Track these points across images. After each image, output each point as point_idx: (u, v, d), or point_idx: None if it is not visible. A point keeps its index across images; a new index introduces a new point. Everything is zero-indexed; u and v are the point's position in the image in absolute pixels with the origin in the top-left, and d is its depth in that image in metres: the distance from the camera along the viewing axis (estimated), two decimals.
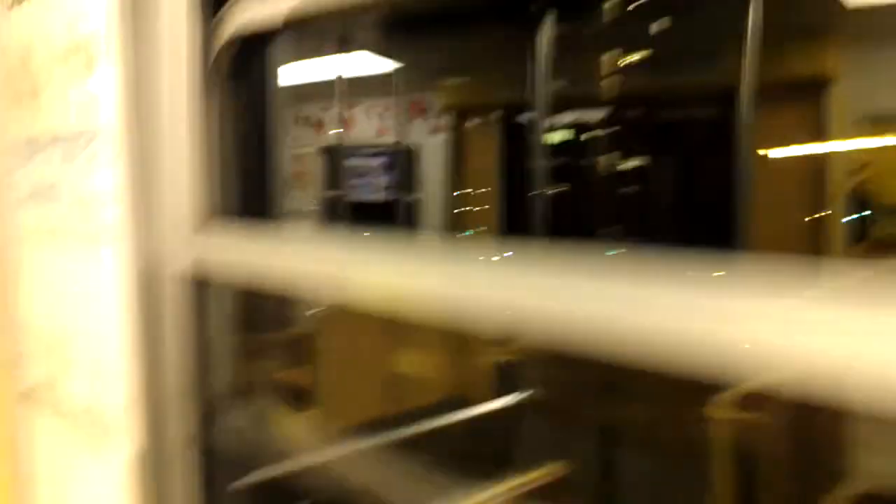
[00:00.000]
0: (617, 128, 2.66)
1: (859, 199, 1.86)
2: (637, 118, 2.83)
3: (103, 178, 0.84)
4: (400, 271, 0.55)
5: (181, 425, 0.82)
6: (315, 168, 4.72)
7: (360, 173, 4.43)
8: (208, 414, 0.83)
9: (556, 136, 2.92)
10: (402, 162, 4.27)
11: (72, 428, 0.98)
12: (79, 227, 0.89)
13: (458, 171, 3.55)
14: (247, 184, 0.85)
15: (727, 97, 2.01)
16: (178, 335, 0.80)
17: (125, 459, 0.86)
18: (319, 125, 4.71)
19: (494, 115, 3.13)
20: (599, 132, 2.64)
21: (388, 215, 4.26)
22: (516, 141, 3.00)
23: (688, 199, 2.90)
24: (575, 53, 2.48)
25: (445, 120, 3.37)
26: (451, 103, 3.37)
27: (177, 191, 0.79)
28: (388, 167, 4.30)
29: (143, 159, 0.81)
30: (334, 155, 4.37)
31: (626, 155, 2.63)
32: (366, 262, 0.59)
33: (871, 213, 1.82)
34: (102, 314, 0.86)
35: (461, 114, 3.34)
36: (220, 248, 0.76)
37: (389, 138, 4.28)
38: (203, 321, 0.81)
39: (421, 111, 4.14)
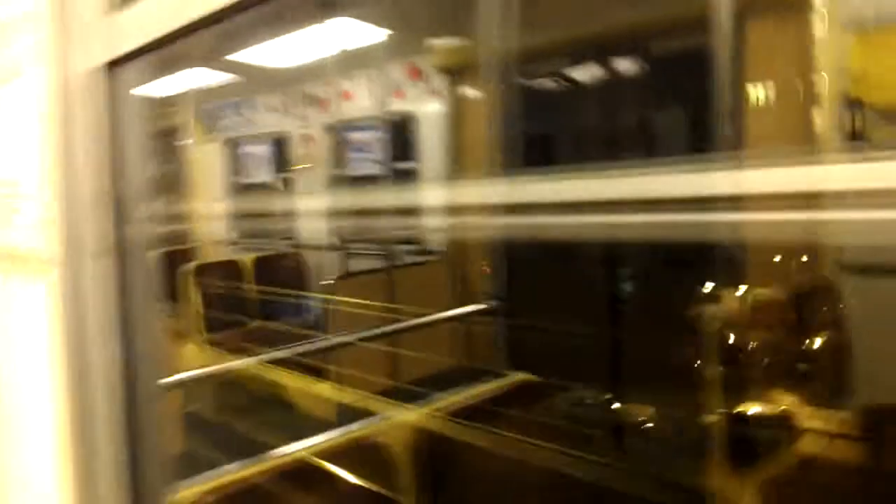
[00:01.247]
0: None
1: (852, 103, 1.81)
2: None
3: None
4: None
5: (97, 237, 0.81)
6: (322, 146, 4.76)
7: (360, 148, 4.45)
8: (122, 222, 0.81)
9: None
10: (401, 131, 4.28)
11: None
12: None
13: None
14: None
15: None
16: (92, 134, 0.80)
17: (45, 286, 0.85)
18: (324, 102, 4.75)
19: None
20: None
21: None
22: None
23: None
24: None
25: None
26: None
27: None
28: (386, 138, 4.32)
29: None
30: (336, 132, 4.40)
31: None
32: None
33: (864, 116, 1.76)
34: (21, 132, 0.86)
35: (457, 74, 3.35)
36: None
37: (390, 108, 4.29)
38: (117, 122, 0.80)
39: (418, 75, 4.14)
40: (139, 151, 0.83)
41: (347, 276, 3.62)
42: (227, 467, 1.40)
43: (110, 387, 0.83)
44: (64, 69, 0.80)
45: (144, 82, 0.82)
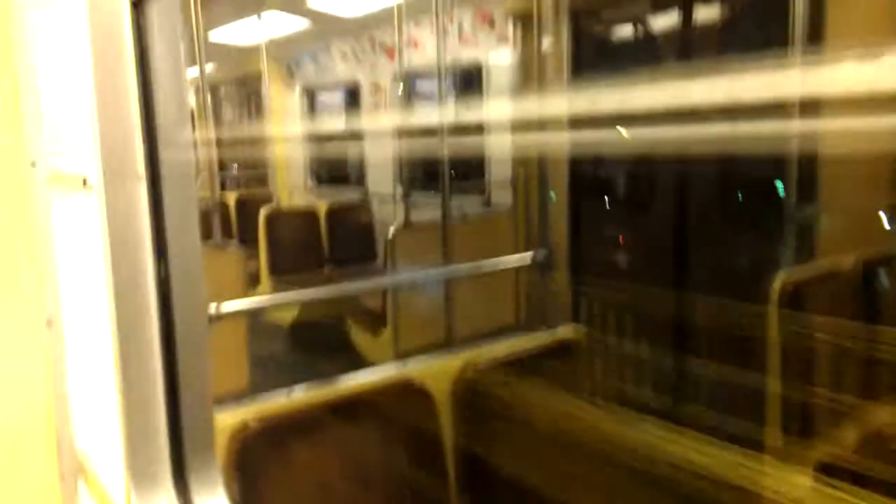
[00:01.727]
0: None
1: None
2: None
3: None
4: None
5: (131, 161, 0.85)
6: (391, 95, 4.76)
7: (428, 96, 4.42)
8: (156, 149, 0.85)
9: None
10: (471, 80, 4.22)
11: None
12: None
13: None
14: None
15: None
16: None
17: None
18: (393, 51, 4.73)
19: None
20: None
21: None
22: None
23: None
24: None
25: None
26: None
27: None
28: (455, 86, 4.27)
29: None
30: (404, 81, 4.39)
31: None
32: None
33: None
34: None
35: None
36: None
37: (459, 56, 4.23)
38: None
39: (487, 22, 4.06)
40: (174, 83, 0.85)
41: (408, 226, 3.67)
42: (272, 394, 1.46)
43: (152, 303, 0.88)
44: (101, 3, 0.83)
45: (179, 19, 0.84)
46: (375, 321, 3.79)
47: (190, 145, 0.90)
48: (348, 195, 5.70)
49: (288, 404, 1.49)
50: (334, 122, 6.33)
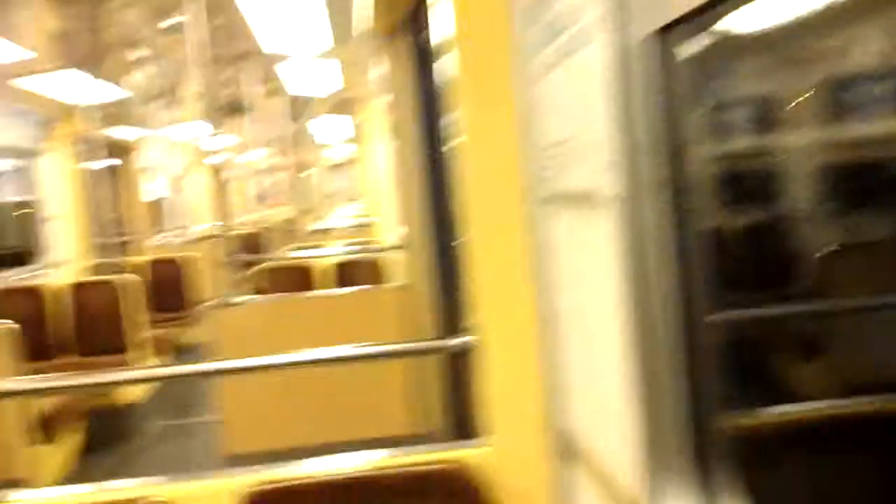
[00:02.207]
0: None
1: None
2: None
3: None
4: None
5: (654, 174, 0.94)
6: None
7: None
8: (674, 162, 0.92)
9: None
10: None
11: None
12: None
13: None
14: None
15: None
16: (648, 87, 0.92)
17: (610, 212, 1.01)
18: None
19: None
20: None
21: None
22: None
23: None
24: None
25: None
26: None
27: None
28: None
29: None
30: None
31: None
32: None
33: None
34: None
35: None
36: None
37: None
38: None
39: None
40: (687, 103, 0.92)
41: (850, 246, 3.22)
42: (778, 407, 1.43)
43: (666, 313, 0.95)
44: (622, 37, 0.94)
45: (694, 46, 0.90)
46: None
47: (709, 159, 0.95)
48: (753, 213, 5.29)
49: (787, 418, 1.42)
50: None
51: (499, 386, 1.42)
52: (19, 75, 5.57)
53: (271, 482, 1.36)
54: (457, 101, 1.41)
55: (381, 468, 1.42)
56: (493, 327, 1.41)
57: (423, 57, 2.84)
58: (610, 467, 1.11)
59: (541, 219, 1.35)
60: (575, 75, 1.08)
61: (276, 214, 8.90)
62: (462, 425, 2.97)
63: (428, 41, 2.70)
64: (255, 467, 1.43)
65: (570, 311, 1.27)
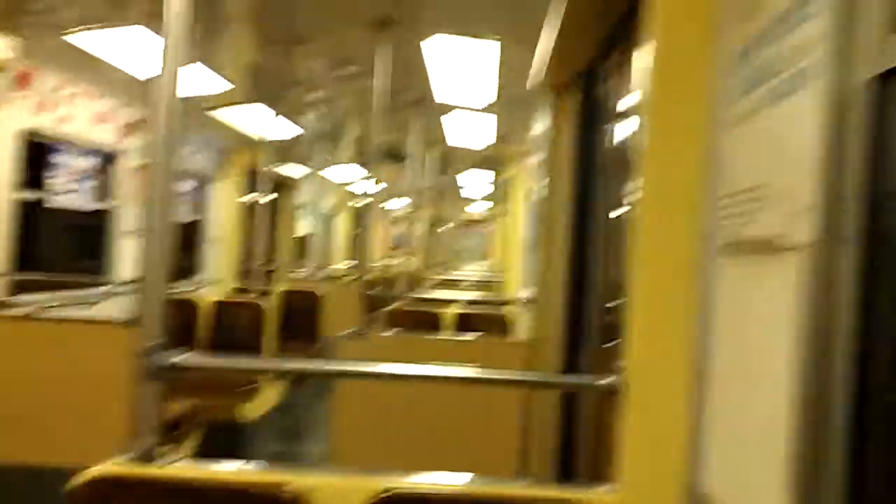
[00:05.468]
0: None
1: None
2: None
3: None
4: None
5: (849, 225, 0.90)
6: None
7: None
8: (873, 213, 0.88)
9: None
10: None
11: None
12: None
13: None
14: None
15: None
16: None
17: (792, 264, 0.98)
18: None
19: None
20: None
21: None
22: None
23: None
24: None
25: None
26: None
27: None
28: None
29: None
30: None
31: None
32: None
33: None
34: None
35: None
36: None
37: None
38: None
39: None
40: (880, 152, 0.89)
41: None
42: None
43: (846, 382, 0.89)
44: (842, 80, 0.93)
45: None
46: None
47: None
48: None
49: None
50: None
51: (638, 433, 1.38)
52: (215, 106, 6.28)
53: (403, 488, 1.40)
54: (640, 159, 1.42)
55: (507, 496, 1.41)
56: (644, 373, 1.38)
57: (591, 113, 2.90)
58: None
59: (710, 268, 1.32)
60: (779, 121, 1.08)
61: (407, 263, 9.27)
62: (570, 474, 2.93)
63: (598, 98, 2.76)
64: (386, 471, 1.48)
65: (727, 365, 1.22)
